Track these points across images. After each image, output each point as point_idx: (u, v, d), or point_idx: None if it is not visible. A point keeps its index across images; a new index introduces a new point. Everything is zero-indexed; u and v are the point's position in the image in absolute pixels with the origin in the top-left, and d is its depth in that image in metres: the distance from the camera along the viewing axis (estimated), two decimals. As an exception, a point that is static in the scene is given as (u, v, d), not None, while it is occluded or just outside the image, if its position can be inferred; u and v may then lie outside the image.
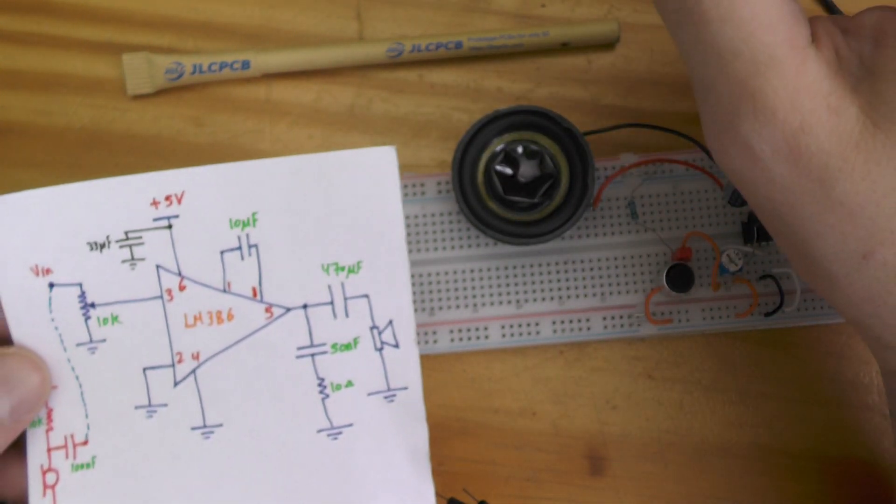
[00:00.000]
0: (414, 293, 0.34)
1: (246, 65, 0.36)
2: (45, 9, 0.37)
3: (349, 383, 0.28)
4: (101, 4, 0.37)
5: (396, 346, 0.28)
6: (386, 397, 0.28)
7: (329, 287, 0.28)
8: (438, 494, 0.32)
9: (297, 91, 0.37)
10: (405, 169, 0.36)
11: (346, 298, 0.28)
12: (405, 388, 0.28)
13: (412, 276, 0.34)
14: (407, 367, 0.28)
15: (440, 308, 0.34)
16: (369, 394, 0.28)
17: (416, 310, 0.34)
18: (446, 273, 0.34)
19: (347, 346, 0.28)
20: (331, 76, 0.37)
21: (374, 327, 0.28)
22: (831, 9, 0.37)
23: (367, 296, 0.28)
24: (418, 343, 0.28)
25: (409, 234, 0.34)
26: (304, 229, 0.28)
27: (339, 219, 0.28)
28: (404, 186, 0.35)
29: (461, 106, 0.36)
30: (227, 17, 0.37)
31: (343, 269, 0.28)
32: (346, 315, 0.28)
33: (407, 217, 0.34)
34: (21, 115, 0.37)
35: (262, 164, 0.28)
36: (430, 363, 0.35)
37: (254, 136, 0.36)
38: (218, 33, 0.37)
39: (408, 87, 0.37)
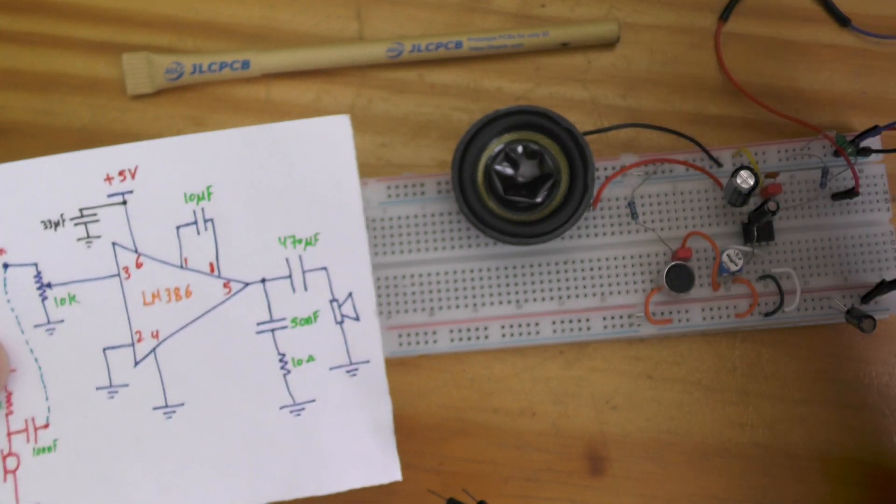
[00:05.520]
0: (414, 293, 0.34)
1: (246, 65, 0.36)
2: (45, 9, 0.37)
3: (310, 358, 0.27)
4: (101, 4, 0.37)
5: (357, 318, 0.27)
6: (348, 371, 0.27)
7: (287, 260, 0.27)
8: (438, 494, 0.32)
9: (297, 91, 0.37)
10: (405, 169, 0.36)
11: (304, 271, 0.27)
12: (367, 362, 0.27)
13: (413, 275, 0.34)
14: (368, 340, 0.27)
15: (440, 308, 0.34)
16: (331, 368, 0.27)
17: (415, 310, 0.34)
18: (446, 273, 0.34)
19: (307, 320, 0.27)
20: (331, 76, 0.37)
21: (333, 300, 0.27)
22: (831, 9, 0.37)
23: (325, 268, 0.27)
24: (380, 315, 0.28)
25: (409, 234, 0.34)
26: (260, 202, 0.27)
27: (294, 190, 0.27)
28: (404, 186, 0.35)
29: (461, 106, 0.36)
30: (227, 17, 0.37)
31: (300, 241, 0.27)
32: (305, 288, 0.27)
33: (407, 217, 0.34)
34: (21, 115, 0.37)
35: (215, 136, 0.27)
36: (430, 363, 0.35)
37: (254, 136, 0.36)
38: (218, 33, 0.37)
39: (408, 87, 0.37)
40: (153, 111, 0.36)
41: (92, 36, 0.37)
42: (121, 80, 0.37)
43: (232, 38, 0.37)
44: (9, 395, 0.27)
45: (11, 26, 0.37)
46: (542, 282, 0.34)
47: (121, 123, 0.36)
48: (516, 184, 0.33)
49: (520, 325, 0.34)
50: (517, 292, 0.34)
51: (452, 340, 0.34)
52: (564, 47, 0.37)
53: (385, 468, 0.27)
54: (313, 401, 0.27)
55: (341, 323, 0.27)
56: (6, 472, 0.27)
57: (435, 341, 0.34)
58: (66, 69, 0.37)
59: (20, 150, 0.36)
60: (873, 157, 0.34)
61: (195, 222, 0.27)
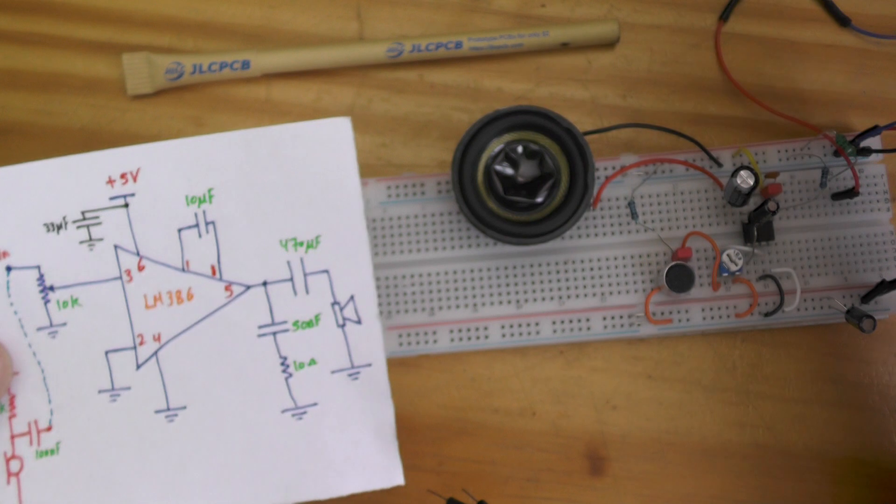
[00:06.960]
0: (414, 293, 0.34)
1: (246, 65, 0.36)
2: (45, 9, 0.37)
3: (312, 361, 0.27)
4: (101, 4, 0.37)
5: (359, 321, 0.27)
6: (350, 375, 0.27)
7: (288, 263, 0.27)
8: (438, 494, 0.32)
9: (297, 91, 0.37)
10: (405, 169, 0.36)
11: (305, 274, 0.27)
12: (369, 365, 0.27)
13: (413, 275, 0.34)
14: (370, 343, 0.27)
15: (440, 308, 0.34)
16: (333, 372, 0.27)
17: (415, 310, 0.34)
18: (446, 273, 0.34)
19: (309, 324, 0.27)
20: (331, 76, 0.37)
21: (335, 303, 0.27)
22: (831, 9, 0.37)
23: (327, 271, 0.27)
24: (380, 315, 0.28)
25: (409, 234, 0.34)
26: (261, 204, 0.27)
27: (295, 193, 0.27)
28: (404, 186, 0.35)
29: (461, 106, 0.36)
30: (227, 17, 0.37)
31: (302, 244, 0.27)
32: (307, 291, 0.27)
33: (407, 217, 0.34)
34: (21, 115, 0.37)
35: (216, 139, 0.27)
36: (430, 363, 0.35)
37: (254, 136, 0.36)
38: (218, 33, 0.37)
39: (408, 87, 0.37)
40: (153, 111, 0.36)
41: (92, 36, 0.37)
42: (121, 80, 0.37)
43: (232, 38, 0.37)
44: (12, 398, 0.27)
45: (11, 26, 0.37)
46: (542, 282, 0.34)
47: (121, 123, 0.36)
48: (516, 184, 0.33)
49: (520, 325, 0.34)
50: (517, 292, 0.34)
51: (452, 340, 0.34)
52: (564, 47, 0.37)
53: (387, 472, 0.27)
54: (315, 404, 0.27)
55: (343, 326, 0.27)
56: (9, 474, 0.27)
57: (435, 341, 0.34)
58: (66, 69, 0.37)
59: (20, 150, 0.36)
60: (873, 157, 0.34)
61: (197, 225, 0.27)
